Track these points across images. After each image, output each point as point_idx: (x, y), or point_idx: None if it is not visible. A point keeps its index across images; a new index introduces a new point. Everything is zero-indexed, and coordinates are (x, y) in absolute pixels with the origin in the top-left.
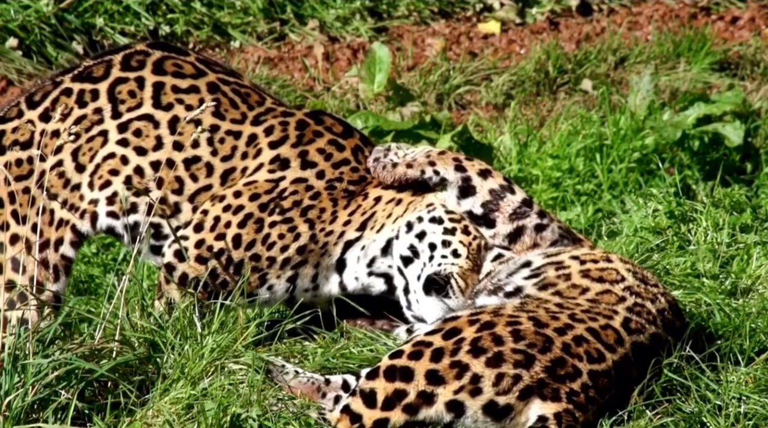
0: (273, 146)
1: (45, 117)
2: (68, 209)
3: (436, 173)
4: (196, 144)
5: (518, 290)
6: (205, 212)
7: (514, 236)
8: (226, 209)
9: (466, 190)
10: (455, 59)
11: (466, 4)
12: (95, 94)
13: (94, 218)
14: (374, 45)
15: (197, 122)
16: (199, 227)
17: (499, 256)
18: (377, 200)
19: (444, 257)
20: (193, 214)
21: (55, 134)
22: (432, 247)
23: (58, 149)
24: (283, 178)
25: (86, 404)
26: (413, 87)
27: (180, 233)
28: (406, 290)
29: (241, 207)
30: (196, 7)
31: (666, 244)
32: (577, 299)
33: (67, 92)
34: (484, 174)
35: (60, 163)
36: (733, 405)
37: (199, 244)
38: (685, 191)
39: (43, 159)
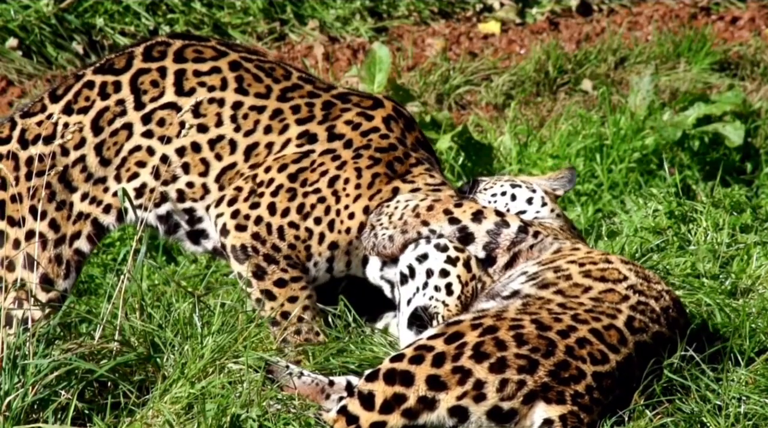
0: (300, 122)
1: (67, 110)
2: (89, 202)
3: (432, 232)
4: (219, 123)
5: (516, 293)
6: (238, 189)
7: (511, 262)
8: (259, 184)
9: (465, 239)
10: (455, 59)
11: (466, 4)
12: (117, 86)
13: (122, 210)
14: (374, 45)
15: (220, 101)
16: (232, 201)
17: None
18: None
19: (437, 289)
20: (220, 192)
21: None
22: (429, 273)
23: (80, 144)
24: (312, 151)
25: (86, 404)
26: (413, 87)
27: (215, 211)
28: (398, 308)
29: (272, 180)
30: (196, 7)
31: (666, 244)
32: (580, 297)
33: (89, 85)
34: (478, 217)
35: (82, 158)
36: (733, 405)
37: (235, 214)
38: (685, 191)
39: (65, 152)
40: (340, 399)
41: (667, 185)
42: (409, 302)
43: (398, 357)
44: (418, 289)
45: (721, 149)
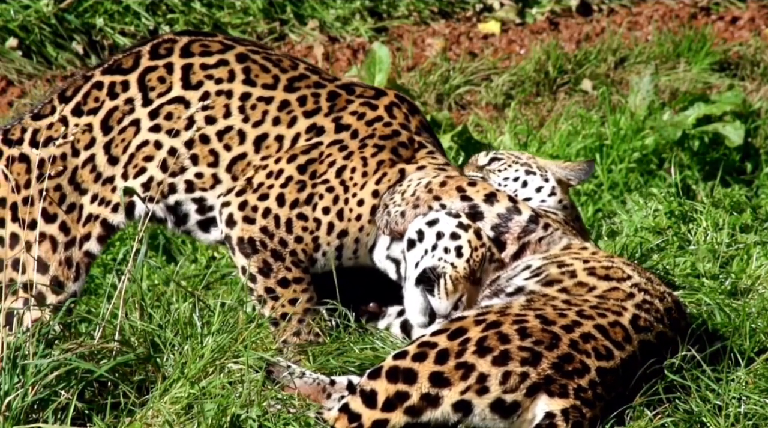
0: (307, 115)
1: (77, 111)
2: (98, 203)
3: (443, 206)
4: (227, 114)
5: (520, 290)
6: (248, 180)
7: (519, 253)
8: (268, 175)
9: (473, 217)
10: (455, 59)
11: (466, 4)
12: (126, 85)
13: (130, 206)
14: (374, 45)
15: (228, 93)
16: (241, 192)
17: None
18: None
19: (446, 251)
20: (233, 182)
21: (88, 127)
22: (439, 236)
23: (90, 144)
24: (320, 143)
25: (86, 404)
26: (413, 87)
27: (222, 199)
28: (404, 277)
29: (281, 171)
30: (196, 7)
31: (666, 244)
32: (584, 296)
33: (98, 85)
34: (490, 199)
35: (92, 158)
36: (733, 405)
37: (243, 205)
38: (685, 191)
39: (76, 153)
40: (342, 397)
41: (667, 185)
42: (416, 265)
43: (401, 355)
44: (426, 251)
45: (721, 149)
